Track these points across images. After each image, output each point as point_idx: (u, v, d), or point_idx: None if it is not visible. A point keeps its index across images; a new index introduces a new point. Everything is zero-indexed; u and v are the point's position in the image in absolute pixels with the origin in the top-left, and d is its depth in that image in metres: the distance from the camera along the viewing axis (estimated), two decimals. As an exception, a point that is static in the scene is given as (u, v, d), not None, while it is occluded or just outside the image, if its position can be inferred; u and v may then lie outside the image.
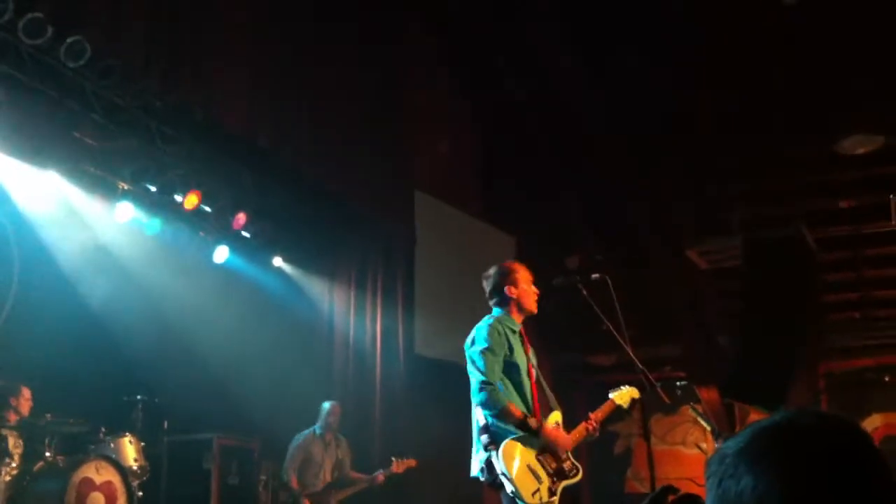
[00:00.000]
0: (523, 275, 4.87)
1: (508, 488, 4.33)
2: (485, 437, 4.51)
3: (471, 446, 4.65)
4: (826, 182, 9.37)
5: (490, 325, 4.66)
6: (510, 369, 4.65)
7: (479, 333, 4.66)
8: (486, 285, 4.90)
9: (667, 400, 4.96)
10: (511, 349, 4.66)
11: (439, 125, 9.89)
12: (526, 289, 4.83)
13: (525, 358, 4.76)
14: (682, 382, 5.15)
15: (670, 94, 8.83)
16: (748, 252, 9.80)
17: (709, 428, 5.92)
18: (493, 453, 4.43)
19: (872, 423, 10.76)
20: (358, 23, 8.34)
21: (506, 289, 4.80)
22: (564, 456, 4.62)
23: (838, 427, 1.29)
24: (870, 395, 10.86)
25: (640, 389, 4.97)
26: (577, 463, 4.66)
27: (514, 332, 4.77)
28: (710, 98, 8.80)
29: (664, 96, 8.88)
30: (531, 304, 4.83)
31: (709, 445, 7.12)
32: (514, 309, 4.82)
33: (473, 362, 4.59)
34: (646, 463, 5.08)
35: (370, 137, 8.37)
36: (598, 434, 4.81)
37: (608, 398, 4.88)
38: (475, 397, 4.52)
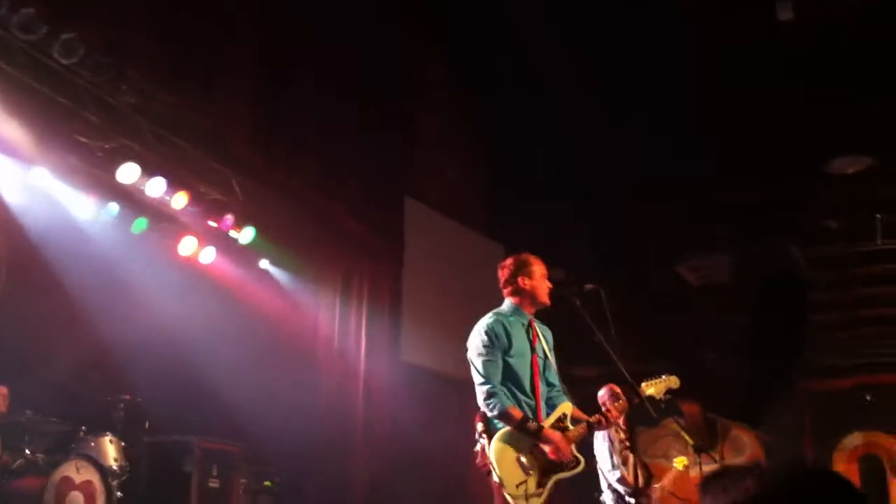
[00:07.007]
0: (538, 268, 4.88)
1: (494, 477, 4.36)
2: (479, 425, 4.53)
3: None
4: (815, 201, 9.42)
5: (486, 327, 4.68)
6: (507, 367, 4.66)
7: (475, 337, 4.69)
8: (501, 275, 4.91)
9: (654, 413, 4.95)
10: (510, 344, 4.67)
11: (434, 134, 9.90)
12: (539, 282, 4.84)
13: (529, 351, 4.76)
14: (667, 396, 5.13)
15: (666, 112, 8.86)
16: (736, 269, 9.83)
17: (690, 442, 5.90)
18: (486, 442, 4.45)
19: (853, 442, 10.82)
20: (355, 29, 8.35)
21: (520, 280, 4.82)
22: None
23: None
24: (852, 414, 10.92)
25: (628, 402, 4.98)
26: (579, 456, 4.63)
27: (522, 325, 4.79)
28: (702, 116, 8.83)
29: (662, 114, 8.90)
30: (544, 296, 4.84)
31: (689, 459, 7.08)
32: (528, 301, 4.83)
33: (473, 365, 4.62)
34: (630, 474, 5.08)
35: (362, 144, 8.38)
36: (611, 426, 4.84)
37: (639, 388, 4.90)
38: (478, 399, 4.55)
